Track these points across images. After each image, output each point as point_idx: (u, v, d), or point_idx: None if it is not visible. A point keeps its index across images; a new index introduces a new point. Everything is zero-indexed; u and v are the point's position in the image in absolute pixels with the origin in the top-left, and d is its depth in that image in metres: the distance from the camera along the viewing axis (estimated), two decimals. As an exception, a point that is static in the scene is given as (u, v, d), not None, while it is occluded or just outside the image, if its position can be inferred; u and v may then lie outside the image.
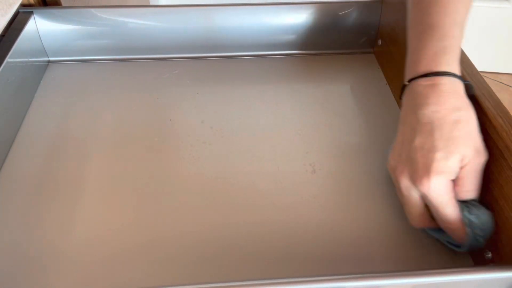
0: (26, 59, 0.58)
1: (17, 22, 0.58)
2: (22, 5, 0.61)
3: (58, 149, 0.51)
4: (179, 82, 0.61)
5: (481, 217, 0.39)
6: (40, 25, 0.61)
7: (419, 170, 0.38)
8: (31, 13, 0.60)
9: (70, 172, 0.49)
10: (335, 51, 0.67)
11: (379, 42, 0.66)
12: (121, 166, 0.50)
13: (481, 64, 1.69)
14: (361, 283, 0.33)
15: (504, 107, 0.42)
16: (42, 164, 0.49)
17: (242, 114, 0.57)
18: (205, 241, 0.43)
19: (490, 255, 0.40)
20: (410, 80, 0.41)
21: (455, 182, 0.38)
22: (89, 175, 0.49)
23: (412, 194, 0.39)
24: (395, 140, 0.43)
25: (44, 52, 0.63)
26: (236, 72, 0.63)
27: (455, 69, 0.40)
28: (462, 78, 0.40)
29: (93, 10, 0.61)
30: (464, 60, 0.47)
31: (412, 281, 0.33)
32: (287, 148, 0.52)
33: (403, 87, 0.43)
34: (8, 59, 0.52)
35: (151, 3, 1.27)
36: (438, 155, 0.37)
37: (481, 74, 0.45)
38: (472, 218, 0.39)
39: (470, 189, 0.39)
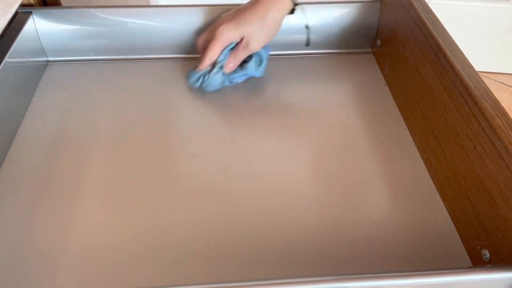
0: (25, 59, 0.58)
1: (16, 22, 0.58)
2: (21, 5, 0.61)
3: (57, 149, 0.51)
4: (178, 82, 0.61)
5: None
6: (39, 25, 0.61)
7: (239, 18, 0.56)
8: (30, 13, 0.60)
9: (69, 172, 0.49)
10: (334, 51, 0.67)
11: (378, 42, 0.66)
12: (120, 166, 0.50)
13: (481, 64, 1.69)
14: (361, 283, 0.33)
15: (503, 108, 0.42)
16: (41, 164, 0.49)
17: (242, 114, 0.57)
18: (205, 242, 0.43)
19: (488, 255, 0.40)
20: None
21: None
22: (88, 175, 0.49)
23: (225, 35, 0.56)
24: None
25: (43, 52, 0.63)
26: (235, 72, 0.63)
27: None
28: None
29: (92, 10, 0.61)
30: (463, 60, 0.47)
31: (412, 281, 0.33)
32: (286, 148, 0.53)
33: None
34: (7, 59, 0.52)
35: (151, 3, 1.27)
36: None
37: (481, 74, 0.45)
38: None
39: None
